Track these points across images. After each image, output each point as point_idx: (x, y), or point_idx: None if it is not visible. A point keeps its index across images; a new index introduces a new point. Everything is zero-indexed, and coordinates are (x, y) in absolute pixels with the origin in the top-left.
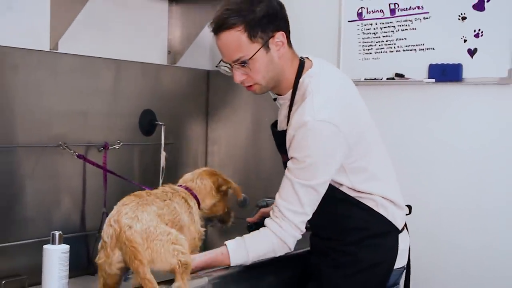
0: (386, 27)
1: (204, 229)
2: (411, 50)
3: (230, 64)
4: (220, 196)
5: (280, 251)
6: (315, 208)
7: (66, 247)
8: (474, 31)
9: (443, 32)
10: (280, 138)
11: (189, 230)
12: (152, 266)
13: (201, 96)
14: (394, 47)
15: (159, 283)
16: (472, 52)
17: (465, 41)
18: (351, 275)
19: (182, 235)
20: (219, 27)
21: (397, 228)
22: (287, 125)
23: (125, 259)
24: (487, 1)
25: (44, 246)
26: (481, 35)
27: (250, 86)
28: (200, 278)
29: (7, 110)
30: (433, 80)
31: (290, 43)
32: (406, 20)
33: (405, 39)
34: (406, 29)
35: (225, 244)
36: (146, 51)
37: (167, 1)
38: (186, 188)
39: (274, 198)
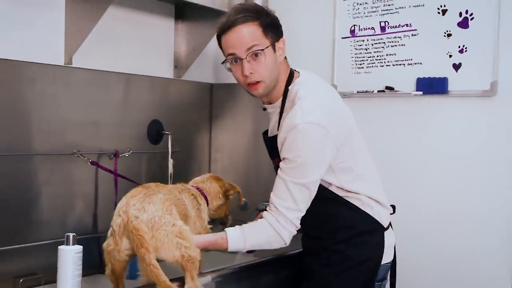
0: (377, 43)
1: (210, 226)
2: (400, 64)
3: (240, 59)
4: (225, 200)
5: (276, 244)
6: (308, 205)
7: (79, 248)
8: (459, 47)
9: (430, 48)
10: (271, 143)
11: (195, 224)
12: (157, 255)
13: (205, 107)
14: (384, 62)
15: (172, 280)
16: (457, 67)
17: (450, 56)
18: (341, 272)
19: (187, 227)
20: (235, 21)
21: (382, 226)
22: (278, 130)
23: (132, 246)
24: (471, 20)
25: (59, 247)
26: (465, 51)
27: (254, 84)
28: (204, 276)
29: (25, 120)
30: (421, 92)
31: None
32: (395, 37)
33: (395, 54)
34: (396, 45)
35: (225, 231)
36: (154, 65)
37: (174, 19)
38: (197, 188)
39: None
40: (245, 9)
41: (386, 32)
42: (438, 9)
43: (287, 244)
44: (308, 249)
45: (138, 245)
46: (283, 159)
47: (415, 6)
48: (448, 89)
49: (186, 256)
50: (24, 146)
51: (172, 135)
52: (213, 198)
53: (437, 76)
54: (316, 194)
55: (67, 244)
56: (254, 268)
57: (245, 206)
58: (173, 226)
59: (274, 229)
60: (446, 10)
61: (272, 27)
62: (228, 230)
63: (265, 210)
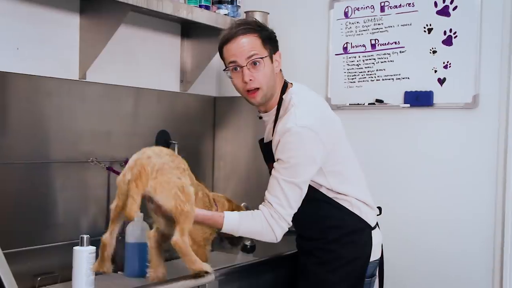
0: (367, 59)
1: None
2: (389, 79)
3: (240, 67)
4: None
5: (267, 237)
6: (299, 204)
7: (92, 248)
8: (443, 63)
9: (416, 64)
10: (266, 148)
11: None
12: (154, 195)
13: (208, 118)
14: (375, 77)
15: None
16: (441, 81)
17: (435, 71)
18: (334, 270)
19: (192, 189)
20: (236, 32)
21: (370, 226)
22: (272, 136)
23: (132, 179)
24: (454, 38)
25: (74, 248)
26: (449, 66)
27: (253, 92)
28: (206, 276)
29: (43, 130)
30: (408, 105)
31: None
32: (385, 54)
33: (384, 69)
34: (385, 61)
35: (224, 212)
36: (162, 80)
37: (180, 37)
38: (213, 199)
39: None
40: (246, 22)
41: (376, 49)
42: (424, 28)
43: (278, 240)
44: (302, 250)
45: (137, 175)
46: (277, 160)
47: (403, 25)
48: (434, 102)
49: (179, 209)
50: (43, 155)
51: (179, 144)
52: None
53: (423, 90)
54: (308, 196)
55: (82, 245)
56: (255, 268)
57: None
58: (179, 179)
59: (268, 222)
60: (432, 29)
61: (270, 40)
62: (227, 212)
63: None
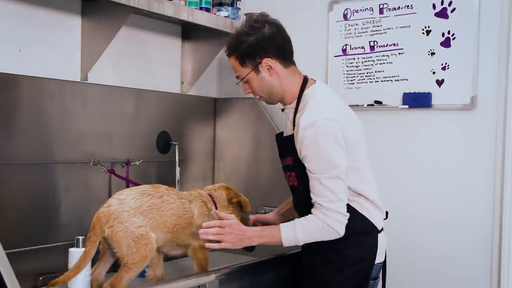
0: (366, 61)
1: None
2: (388, 80)
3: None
4: (233, 207)
5: (328, 236)
6: (346, 193)
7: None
8: (442, 64)
9: (415, 65)
10: (286, 142)
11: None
12: (110, 242)
13: (209, 119)
14: (373, 78)
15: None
16: (440, 83)
17: (433, 73)
18: (340, 269)
19: (153, 235)
20: (226, 55)
21: (376, 228)
22: (293, 129)
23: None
24: (453, 40)
25: (70, 249)
26: (448, 68)
27: (259, 97)
28: (208, 275)
29: (44, 132)
30: (407, 106)
31: (289, 63)
32: (383, 55)
33: (383, 71)
34: (384, 63)
35: (279, 226)
36: (163, 81)
37: (180, 39)
38: (210, 195)
39: (272, 207)
40: (228, 44)
41: (375, 51)
42: (423, 30)
43: (341, 234)
44: (308, 248)
45: (92, 227)
46: (305, 156)
47: (401, 27)
48: (432, 103)
49: (127, 260)
50: (45, 155)
51: (179, 145)
52: (222, 205)
53: (421, 91)
54: None
55: (77, 246)
56: (255, 267)
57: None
58: (137, 228)
59: (324, 221)
60: (430, 31)
61: (248, 55)
62: (281, 225)
63: (265, 214)
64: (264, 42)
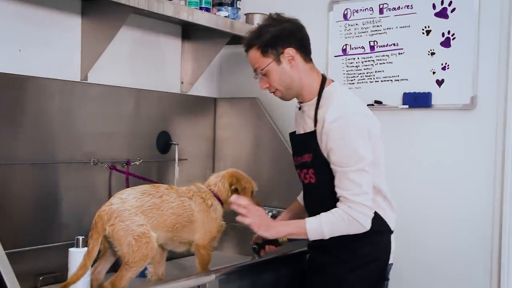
0: (366, 61)
1: (224, 222)
2: (388, 80)
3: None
4: (237, 194)
5: (354, 229)
6: (371, 187)
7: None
8: (442, 64)
9: (415, 65)
10: (304, 139)
11: (203, 225)
12: (111, 240)
13: (209, 119)
14: (373, 78)
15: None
16: (440, 82)
17: (433, 73)
18: (354, 269)
19: (154, 235)
20: (245, 49)
21: (390, 229)
22: (315, 126)
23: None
24: (453, 39)
25: (70, 249)
26: (448, 68)
27: (274, 92)
28: (208, 275)
29: (44, 132)
30: (407, 106)
31: (309, 59)
32: (383, 55)
33: (383, 71)
34: (384, 63)
35: (305, 220)
36: (163, 81)
37: (181, 39)
38: (212, 191)
39: (272, 207)
40: (247, 38)
41: (375, 51)
42: (423, 30)
43: (367, 228)
44: (319, 247)
45: (93, 225)
46: (331, 149)
47: (401, 27)
48: (432, 103)
49: (128, 258)
50: (45, 155)
51: (179, 145)
52: (226, 197)
53: (421, 91)
54: (335, 193)
55: (77, 246)
56: (255, 267)
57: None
58: (139, 226)
59: (349, 214)
60: (430, 30)
61: (270, 45)
62: (307, 218)
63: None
64: (286, 33)
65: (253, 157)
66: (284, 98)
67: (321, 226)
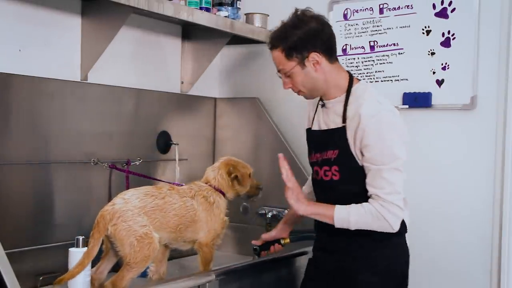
0: (366, 61)
1: (227, 217)
2: (388, 80)
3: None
4: (237, 181)
5: (380, 226)
6: (402, 186)
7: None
8: (442, 64)
9: (415, 65)
10: (329, 135)
11: (207, 224)
12: (113, 240)
13: (209, 119)
14: (374, 78)
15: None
16: (440, 82)
17: (433, 73)
18: (377, 271)
19: (156, 235)
20: (269, 47)
21: (406, 229)
22: (343, 122)
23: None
24: (453, 39)
25: (70, 249)
26: (448, 68)
27: (297, 92)
28: (208, 275)
29: (44, 132)
30: (407, 106)
31: (334, 59)
32: (383, 55)
33: (383, 71)
34: (384, 63)
35: (335, 206)
36: (163, 81)
37: (181, 39)
38: (212, 186)
39: (271, 206)
40: (273, 36)
41: (375, 50)
42: (423, 30)
43: (395, 229)
44: (337, 249)
45: (95, 224)
46: (366, 145)
47: (401, 27)
48: (432, 103)
49: (130, 258)
50: (45, 155)
51: (179, 145)
52: (227, 187)
53: (421, 91)
54: (360, 192)
55: (77, 246)
56: (255, 267)
57: (245, 210)
58: (141, 227)
59: (379, 212)
60: (430, 30)
61: (295, 48)
62: (337, 205)
63: (265, 214)
64: (312, 36)
65: (253, 157)
66: (308, 98)
67: (349, 215)
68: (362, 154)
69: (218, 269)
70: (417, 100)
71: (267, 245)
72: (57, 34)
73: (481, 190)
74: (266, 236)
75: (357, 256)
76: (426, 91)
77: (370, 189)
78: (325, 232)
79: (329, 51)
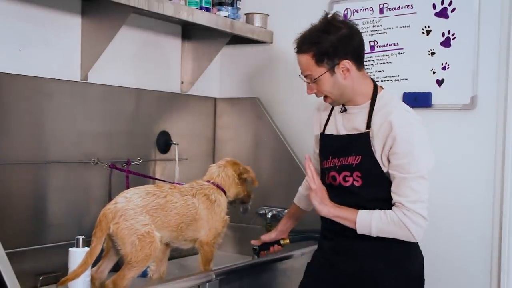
0: (367, 60)
1: (227, 216)
2: (388, 80)
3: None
4: (242, 182)
5: (402, 235)
6: (428, 195)
7: (87, 249)
8: (442, 64)
9: (415, 65)
10: (352, 140)
11: (208, 222)
12: (115, 238)
13: (209, 119)
14: (374, 78)
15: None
16: (440, 82)
17: (434, 72)
18: (404, 270)
19: (158, 235)
20: (297, 50)
21: None
22: (367, 128)
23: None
24: (453, 39)
25: (70, 249)
26: (448, 68)
27: (324, 97)
28: (208, 275)
29: (44, 132)
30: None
31: (362, 66)
32: (383, 55)
33: (383, 71)
34: (384, 63)
35: (358, 211)
36: (163, 81)
37: (181, 39)
38: (214, 184)
39: (271, 206)
40: (302, 39)
41: (375, 50)
42: (423, 29)
43: (417, 240)
44: (366, 252)
45: (97, 223)
46: (394, 153)
47: (401, 27)
48: (432, 103)
49: (131, 257)
50: (45, 155)
51: (179, 145)
52: (230, 186)
53: (421, 91)
54: (381, 199)
55: (77, 246)
56: (255, 267)
57: (245, 210)
58: (143, 226)
59: (401, 221)
60: (430, 30)
61: (327, 54)
62: (360, 210)
63: (265, 214)
64: (344, 42)
65: (253, 157)
66: (334, 104)
67: (371, 221)
68: (389, 161)
69: (218, 269)
70: (417, 100)
71: (266, 245)
72: (57, 34)
73: (481, 190)
74: (266, 238)
75: (379, 258)
76: (426, 91)
77: (394, 197)
78: (341, 236)
79: (359, 58)
